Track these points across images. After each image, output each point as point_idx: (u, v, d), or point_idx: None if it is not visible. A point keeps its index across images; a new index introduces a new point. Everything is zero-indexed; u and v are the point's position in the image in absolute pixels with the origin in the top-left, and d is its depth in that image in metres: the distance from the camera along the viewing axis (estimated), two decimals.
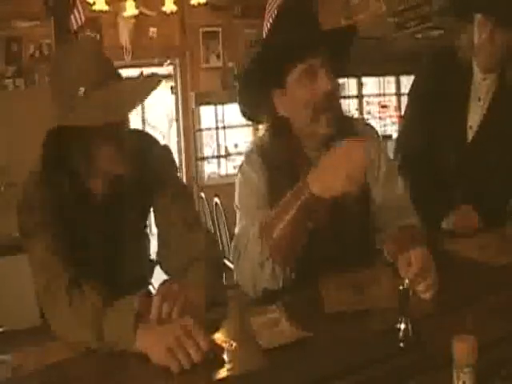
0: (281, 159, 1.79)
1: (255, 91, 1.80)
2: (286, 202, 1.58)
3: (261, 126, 1.93)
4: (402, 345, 1.26)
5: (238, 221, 1.80)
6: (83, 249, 1.62)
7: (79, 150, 1.55)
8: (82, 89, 1.46)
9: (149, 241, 1.89)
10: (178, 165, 1.91)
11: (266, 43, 1.80)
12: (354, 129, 1.88)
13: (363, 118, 2.04)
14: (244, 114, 1.88)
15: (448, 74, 2.32)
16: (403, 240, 1.70)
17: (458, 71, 2.30)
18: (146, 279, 1.91)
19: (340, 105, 1.83)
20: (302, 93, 1.72)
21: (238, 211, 1.82)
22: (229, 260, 4.95)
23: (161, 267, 1.80)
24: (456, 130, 2.33)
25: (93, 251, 1.65)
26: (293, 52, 1.68)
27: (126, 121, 1.59)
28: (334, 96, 1.75)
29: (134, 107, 1.53)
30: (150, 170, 1.71)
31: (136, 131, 1.79)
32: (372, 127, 2.01)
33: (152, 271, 1.92)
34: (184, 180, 6.40)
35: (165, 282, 1.42)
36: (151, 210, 1.79)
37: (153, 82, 1.54)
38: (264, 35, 1.85)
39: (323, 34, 1.77)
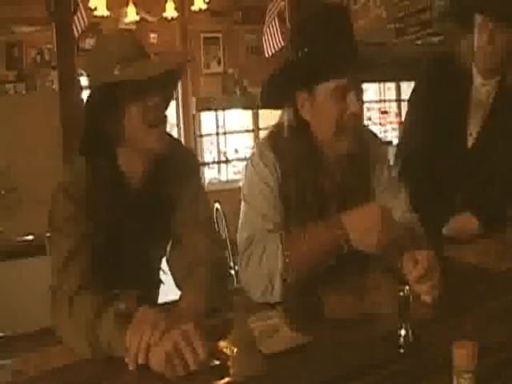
0: (296, 160, 1.79)
1: (281, 90, 1.80)
2: (316, 233, 1.64)
3: (261, 133, 1.94)
4: (402, 350, 1.26)
5: (242, 212, 1.81)
6: (111, 246, 1.63)
7: (115, 121, 1.57)
8: (118, 66, 1.53)
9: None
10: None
11: (303, 50, 1.79)
12: (364, 140, 1.90)
13: (367, 126, 2.09)
14: (263, 102, 1.90)
15: (448, 80, 2.32)
16: (407, 242, 1.71)
17: (458, 77, 2.31)
18: (159, 269, 1.92)
19: (362, 124, 1.85)
20: (329, 107, 1.72)
21: (244, 202, 1.82)
22: (230, 267, 4.94)
23: (170, 270, 1.80)
24: (456, 136, 2.33)
25: (120, 247, 1.67)
26: (332, 69, 1.69)
27: (161, 99, 1.60)
28: (359, 117, 1.78)
29: (162, 70, 1.57)
30: (181, 171, 1.75)
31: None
32: (376, 135, 2.04)
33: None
34: None
35: (143, 308, 1.36)
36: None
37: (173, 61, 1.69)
38: (298, 39, 1.83)
39: (358, 54, 1.78)
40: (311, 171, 1.79)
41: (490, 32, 2.15)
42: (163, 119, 1.62)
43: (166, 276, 1.88)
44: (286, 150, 1.80)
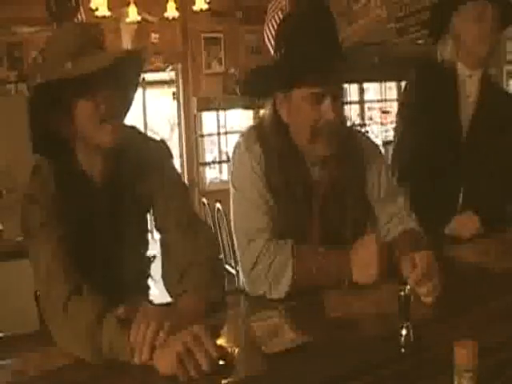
0: (279, 156, 1.79)
1: (259, 88, 1.81)
2: (325, 261, 1.69)
3: None
4: (403, 350, 1.26)
5: (234, 200, 1.83)
6: (85, 248, 1.58)
7: (63, 117, 1.53)
8: (69, 63, 1.48)
9: (147, 242, 1.85)
10: (177, 168, 1.87)
11: (282, 53, 1.78)
12: (359, 146, 1.92)
13: (363, 133, 2.11)
14: (243, 93, 1.92)
15: (435, 80, 2.37)
16: (407, 243, 1.72)
17: (443, 75, 2.36)
18: (145, 274, 1.88)
19: (344, 127, 1.84)
20: (304, 112, 1.72)
21: (234, 190, 1.83)
22: (230, 265, 4.95)
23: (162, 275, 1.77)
24: (451, 129, 2.35)
25: (93, 248, 1.62)
26: (310, 75, 1.68)
27: (114, 91, 1.54)
28: (336, 122, 1.74)
29: (115, 58, 1.51)
30: (147, 166, 1.68)
31: (130, 126, 1.74)
32: (373, 142, 2.04)
33: (149, 267, 1.90)
34: None
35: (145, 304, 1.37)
36: (151, 210, 1.75)
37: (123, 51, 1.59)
38: (278, 40, 1.83)
39: (343, 62, 1.77)
40: (292, 168, 1.79)
41: (491, 18, 2.23)
42: (116, 114, 1.57)
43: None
44: (269, 145, 1.80)
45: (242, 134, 1.87)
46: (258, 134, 1.83)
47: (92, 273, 1.54)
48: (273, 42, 6.07)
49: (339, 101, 1.75)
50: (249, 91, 1.89)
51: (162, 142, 1.80)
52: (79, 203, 1.60)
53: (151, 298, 1.88)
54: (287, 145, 1.80)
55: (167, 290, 1.67)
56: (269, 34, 6.16)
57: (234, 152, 1.85)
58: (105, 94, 1.50)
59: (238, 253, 1.80)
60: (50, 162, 1.59)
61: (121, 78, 1.59)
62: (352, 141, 1.88)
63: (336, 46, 1.76)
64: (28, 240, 1.55)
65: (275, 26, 6.06)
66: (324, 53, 1.69)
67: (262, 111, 1.94)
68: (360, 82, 8.02)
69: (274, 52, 1.80)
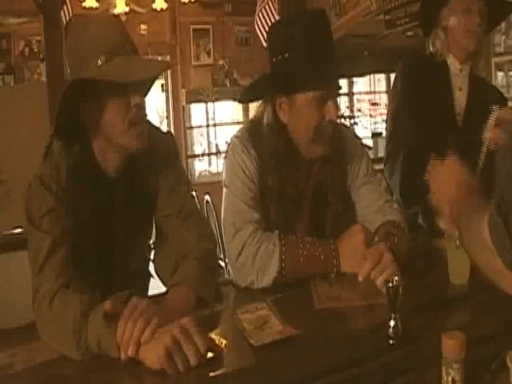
0: (275, 157, 1.81)
1: (261, 93, 1.83)
2: (314, 250, 1.69)
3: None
4: (391, 342, 1.26)
5: (225, 198, 1.83)
6: (92, 237, 1.58)
7: (93, 112, 1.52)
8: (103, 57, 1.45)
9: (152, 231, 1.85)
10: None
11: (283, 56, 1.79)
12: (344, 143, 1.93)
13: (346, 126, 2.17)
14: (241, 101, 1.93)
15: (427, 70, 2.40)
16: (380, 236, 1.74)
17: (435, 66, 2.39)
18: (148, 261, 1.87)
19: (338, 126, 1.87)
20: (308, 115, 1.75)
21: (226, 189, 1.84)
22: (220, 259, 4.95)
23: (155, 265, 1.76)
24: (446, 117, 2.37)
25: (100, 237, 1.61)
26: (311, 82, 1.72)
27: (143, 99, 1.55)
28: (337, 121, 1.80)
29: (156, 73, 1.56)
30: (157, 160, 1.69)
31: None
32: (357, 137, 2.08)
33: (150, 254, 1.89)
34: None
35: (133, 299, 1.34)
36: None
37: (164, 63, 1.61)
38: (279, 45, 1.83)
39: (340, 67, 1.82)
40: (288, 169, 1.81)
41: (478, 14, 2.25)
42: (143, 118, 1.57)
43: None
44: (264, 147, 1.82)
45: (236, 136, 1.87)
46: (252, 135, 1.84)
47: (97, 261, 1.55)
48: (263, 32, 6.06)
49: (337, 100, 1.79)
50: (249, 100, 1.91)
51: (170, 134, 1.82)
52: (90, 193, 1.58)
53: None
54: (285, 145, 1.81)
55: (160, 278, 1.69)
56: (259, 24, 6.15)
57: (228, 153, 1.86)
58: (136, 99, 1.50)
59: (225, 244, 1.80)
60: (65, 147, 1.58)
61: (150, 85, 1.65)
62: (339, 138, 1.89)
63: (332, 48, 1.78)
64: (29, 227, 1.52)
65: (265, 17, 6.05)
66: (326, 57, 1.74)
67: (254, 109, 1.94)
68: (350, 76, 8.02)
69: (271, 57, 1.80)
